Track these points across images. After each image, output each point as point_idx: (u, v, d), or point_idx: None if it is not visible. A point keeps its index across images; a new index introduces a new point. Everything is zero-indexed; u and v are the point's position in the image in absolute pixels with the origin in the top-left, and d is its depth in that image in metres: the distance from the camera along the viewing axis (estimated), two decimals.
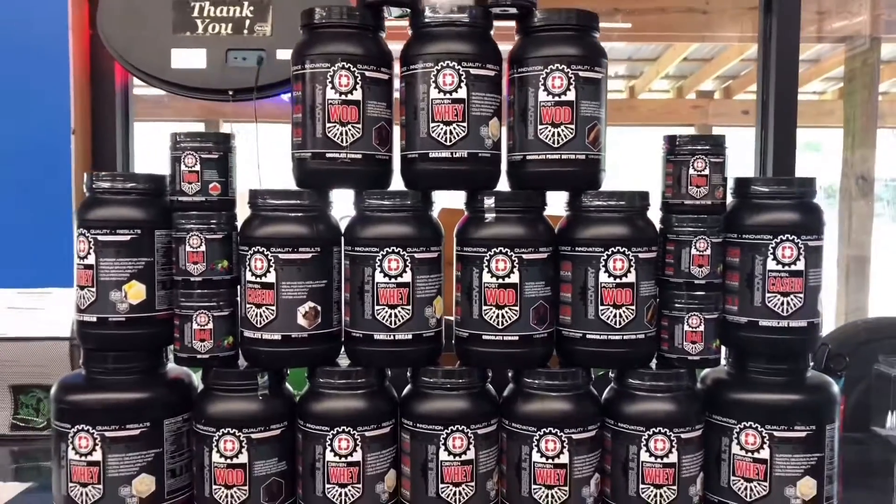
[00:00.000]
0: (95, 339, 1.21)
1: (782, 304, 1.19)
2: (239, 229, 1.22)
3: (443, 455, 1.16)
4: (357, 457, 1.16)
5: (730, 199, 1.26)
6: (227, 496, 1.16)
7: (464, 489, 1.17)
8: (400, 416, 1.21)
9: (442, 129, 1.17)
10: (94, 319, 1.20)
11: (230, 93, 1.86)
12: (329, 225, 1.21)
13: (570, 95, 1.18)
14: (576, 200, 1.21)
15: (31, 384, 1.70)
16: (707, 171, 1.22)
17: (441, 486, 1.17)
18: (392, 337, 1.18)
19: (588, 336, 1.19)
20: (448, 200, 1.33)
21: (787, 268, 1.19)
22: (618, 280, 1.17)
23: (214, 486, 1.17)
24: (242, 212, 1.24)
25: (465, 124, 1.17)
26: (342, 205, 1.25)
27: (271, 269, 1.16)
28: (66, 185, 1.93)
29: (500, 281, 1.17)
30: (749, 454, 1.19)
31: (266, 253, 1.16)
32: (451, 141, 1.18)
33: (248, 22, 1.84)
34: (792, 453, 1.18)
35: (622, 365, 1.21)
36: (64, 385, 1.23)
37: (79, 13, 1.96)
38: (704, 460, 1.21)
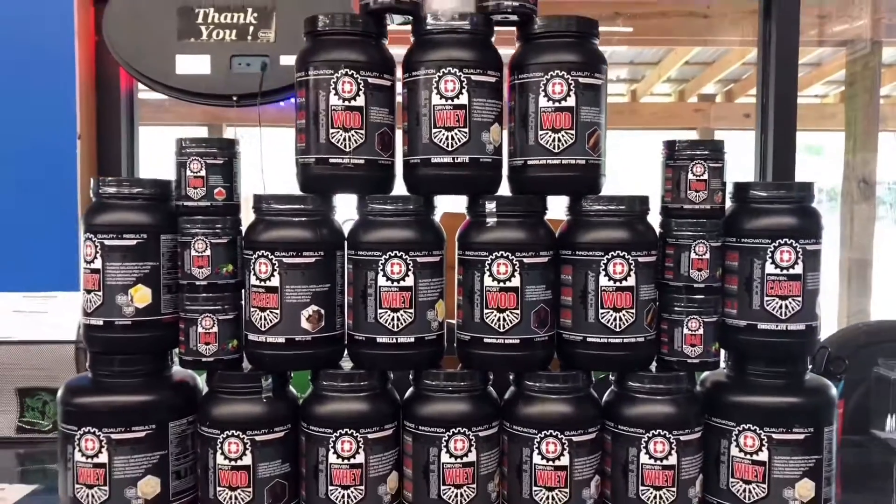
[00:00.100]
0: (102, 342, 1.22)
1: (781, 307, 1.20)
2: (243, 234, 1.23)
3: (444, 457, 1.18)
4: (360, 459, 1.17)
5: (729, 204, 1.27)
6: (231, 498, 1.18)
7: (465, 491, 1.18)
8: (402, 418, 1.22)
9: (444, 134, 1.19)
10: (101, 323, 1.21)
11: (234, 98, 1.88)
12: (332, 229, 1.22)
13: (571, 101, 1.19)
14: (576, 205, 1.22)
15: (36, 387, 1.71)
16: (706, 176, 1.23)
17: (443, 487, 1.18)
18: (394, 340, 1.19)
19: (588, 339, 1.20)
20: (450, 205, 1.35)
21: (785, 271, 1.20)
22: (618, 284, 1.18)
23: (219, 488, 1.18)
24: (247, 216, 1.25)
25: (466, 130, 1.19)
26: (345, 209, 1.27)
27: (275, 273, 1.17)
28: (72, 189, 1.95)
29: (502, 284, 1.18)
30: (748, 456, 1.20)
31: (270, 257, 1.18)
32: (452, 146, 1.19)
33: (251, 28, 1.86)
34: (790, 455, 1.19)
35: (622, 368, 1.23)
36: (71, 388, 1.24)
37: (85, 20, 1.98)
38: (704, 462, 1.22)
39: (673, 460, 1.18)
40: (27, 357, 1.72)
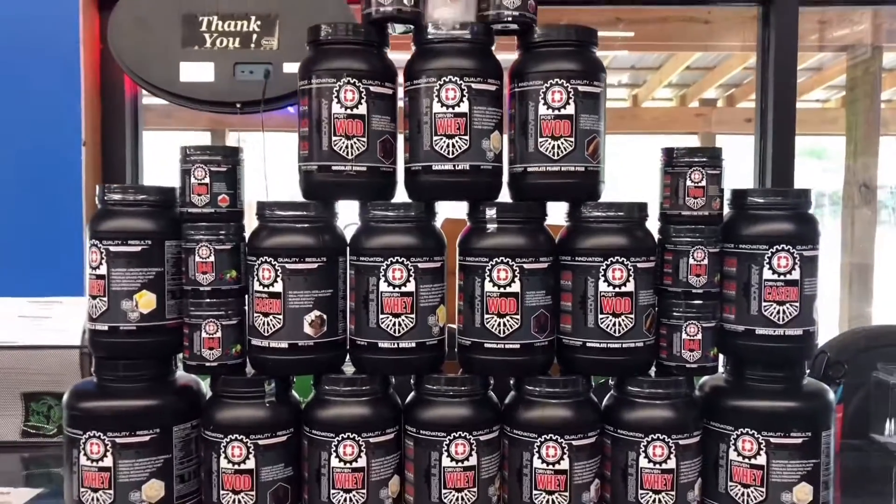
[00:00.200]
0: (107, 347, 1.24)
1: (778, 312, 1.21)
2: (247, 240, 1.24)
3: (445, 461, 1.19)
4: (362, 463, 1.18)
5: (727, 210, 1.28)
6: (234, 501, 1.19)
7: (466, 495, 1.19)
8: (403, 422, 1.23)
9: (445, 141, 1.20)
10: (106, 328, 1.22)
11: (238, 105, 1.89)
12: (335, 235, 1.24)
13: (570, 109, 1.20)
14: (576, 211, 1.23)
15: (41, 392, 1.73)
16: (704, 183, 1.25)
17: (444, 491, 1.19)
18: (396, 345, 1.20)
19: (588, 344, 1.21)
20: (451, 211, 1.36)
21: (782, 277, 1.21)
22: (617, 289, 1.19)
23: (222, 492, 1.19)
24: (250, 223, 1.26)
25: (467, 137, 1.20)
26: (347, 214, 1.28)
27: (278, 279, 1.19)
28: (77, 196, 1.96)
29: (502, 290, 1.19)
30: (746, 460, 1.21)
31: (273, 263, 1.19)
32: (453, 153, 1.20)
33: (255, 36, 1.87)
34: (788, 459, 1.20)
35: (621, 372, 1.24)
36: (76, 392, 1.25)
37: (90, 27, 1.99)
38: (702, 466, 1.23)
39: (672, 464, 1.19)
40: (32, 362, 1.73)
